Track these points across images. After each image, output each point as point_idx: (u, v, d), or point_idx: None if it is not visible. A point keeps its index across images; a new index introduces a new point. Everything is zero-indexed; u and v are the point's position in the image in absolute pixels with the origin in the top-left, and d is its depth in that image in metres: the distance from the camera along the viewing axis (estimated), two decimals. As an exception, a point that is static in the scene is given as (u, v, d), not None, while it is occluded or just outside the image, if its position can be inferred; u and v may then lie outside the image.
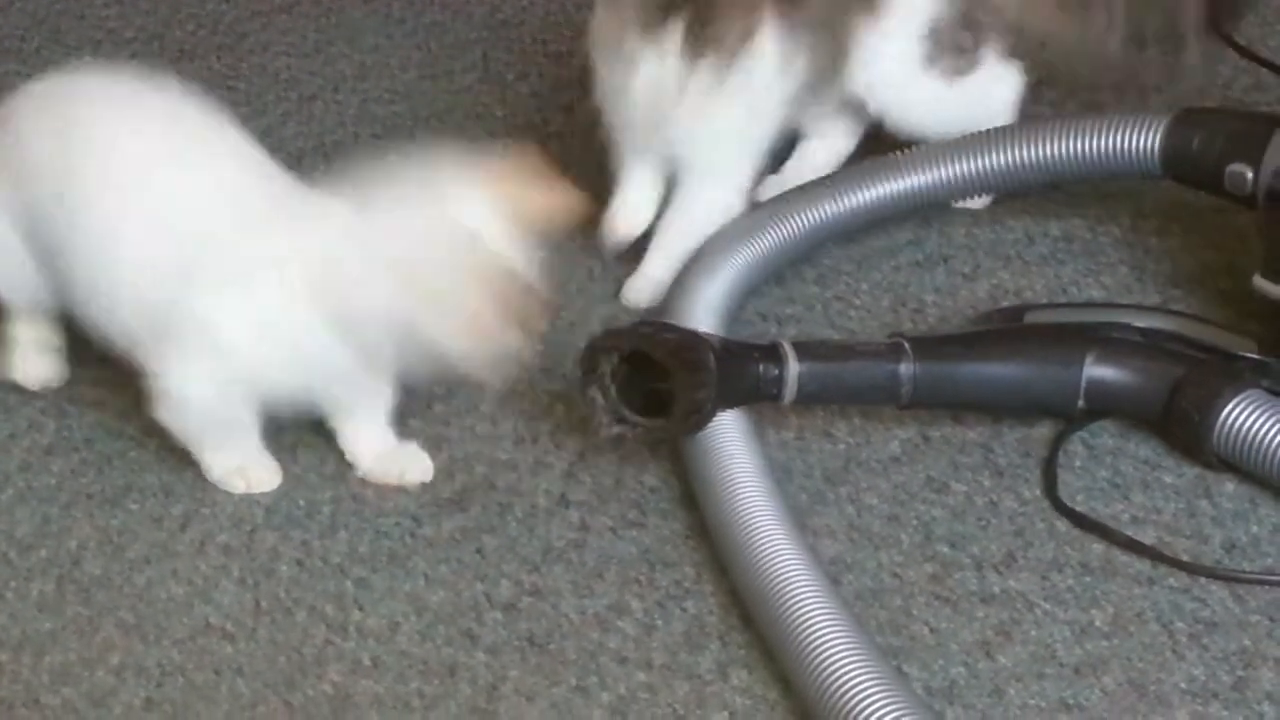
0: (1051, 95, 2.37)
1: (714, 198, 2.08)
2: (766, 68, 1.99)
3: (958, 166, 2.03)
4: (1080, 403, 1.81)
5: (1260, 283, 1.84)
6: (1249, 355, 1.80)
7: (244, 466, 1.86)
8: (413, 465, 1.87)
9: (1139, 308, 1.96)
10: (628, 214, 2.11)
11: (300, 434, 1.91)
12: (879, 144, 2.30)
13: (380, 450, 1.88)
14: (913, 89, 2.11)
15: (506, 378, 1.74)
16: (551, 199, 1.69)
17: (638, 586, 1.72)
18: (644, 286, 2.09)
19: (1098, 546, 1.72)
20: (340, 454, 1.89)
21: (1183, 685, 1.58)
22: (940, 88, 2.10)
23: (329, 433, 1.91)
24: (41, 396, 1.96)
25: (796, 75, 2.03)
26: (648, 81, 1.97)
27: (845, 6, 2.06)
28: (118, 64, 2.56)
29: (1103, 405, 1.82)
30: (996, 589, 1.69)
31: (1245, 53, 2.40)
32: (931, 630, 1.65)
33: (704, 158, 2.06)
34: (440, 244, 1.66)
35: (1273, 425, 1.71)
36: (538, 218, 1.69)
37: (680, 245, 2.07)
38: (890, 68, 2.10)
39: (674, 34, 1.94)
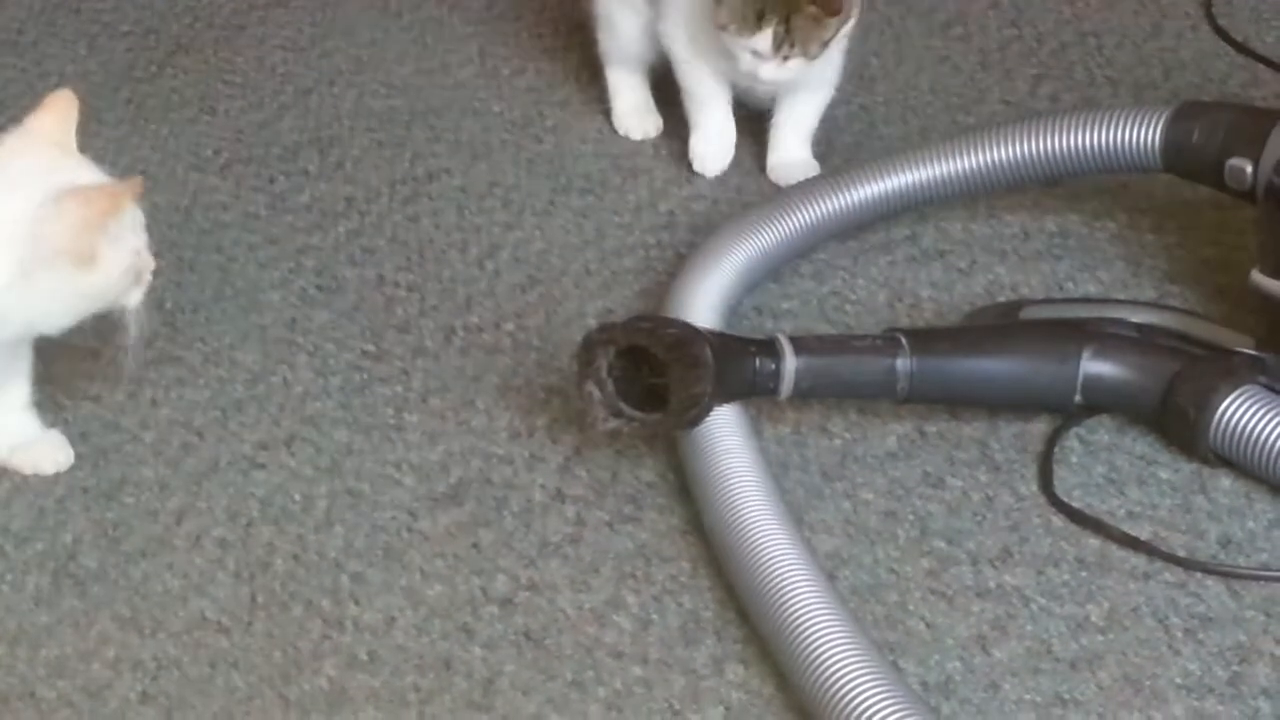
0: (1049, 90, 2.37)
1: (824, 93, 2.27)
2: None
3: (957, 163, 2.03)
4: (1077, 398, 1.81)
5: (1258, 278, 1.84)
6: (1246, 351, 1.80)
7: (24, 446, 1.88)
8: (48, 454, 1.89)
9: (1135, 303, 1.96)
10: (718, 149, 2.29)
11: (296, 427, 1.91)
12: (878, 142, 2.30)
13: (18, 441, 1.89)
14: None
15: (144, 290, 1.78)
16: (69, 117, 1.78)
17: (634, 581, 1.72)
18: (797, 166, 2.25)
19: (1093, 542, 1.72)
20: (336, 447, 1.89)
21: (1178, 680, 1.58)
22: None
23: (325, 426, 1.91)
24: (37, 390, 1.95)
25: None
26: (749, 66, 2.13)
27: None
28: (114, 57, 2.59)
29: (1099, 401, 1.82)
30: (992, 584, 1.69)
31: (1241, 48, 2.40)
32: (928, 625, 1.65)
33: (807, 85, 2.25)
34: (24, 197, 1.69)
35: (1269, 421, 1.71)
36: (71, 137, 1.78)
37: (809, 127, 2.28)
38: None
39: (765, 37, 2.09)
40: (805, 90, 2.24)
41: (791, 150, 2.27)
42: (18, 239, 1.68)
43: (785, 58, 2.11)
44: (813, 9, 2.07)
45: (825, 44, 2.12)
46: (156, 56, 2.61)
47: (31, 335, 1.80)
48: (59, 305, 1.74)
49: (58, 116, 1.78)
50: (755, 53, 2.11)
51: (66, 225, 1.68)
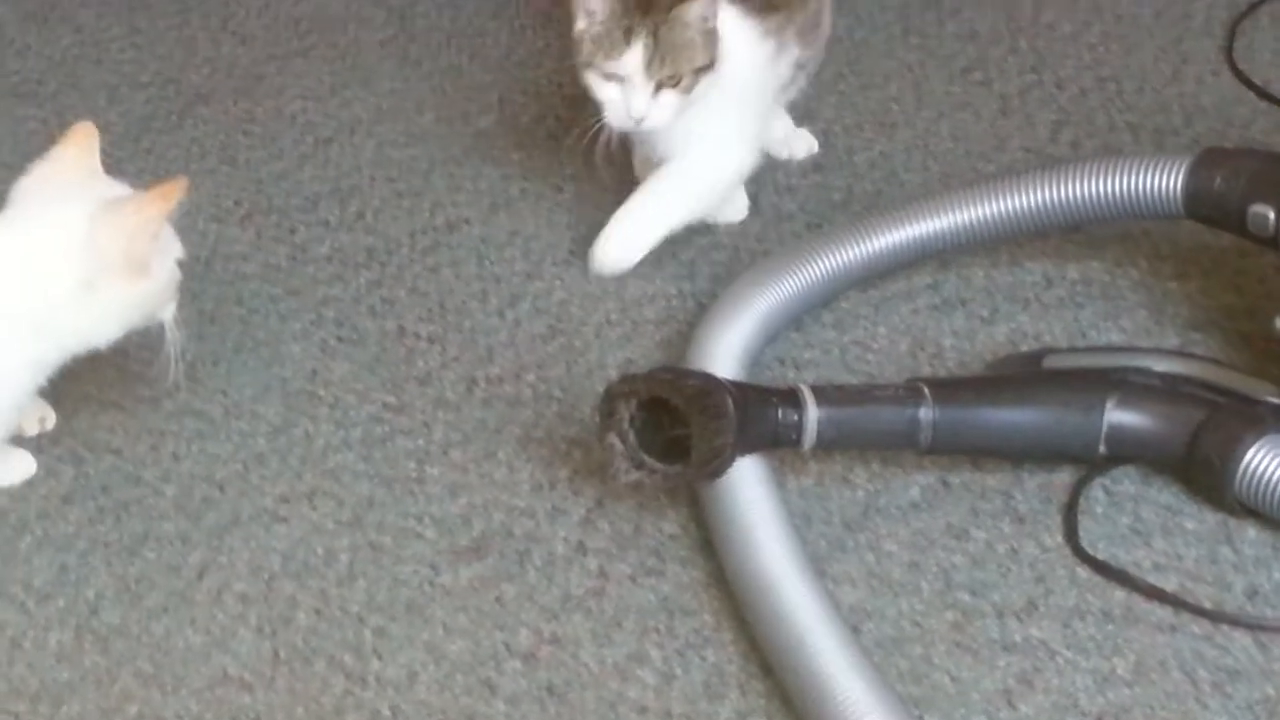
0: (1070, 136, 2.37)
1: (701, 170, 2.19)
2: (744, 68, 2.11)
3: (978, 210, 2.02)
4: (1101, 448, 1.80)
5: (1282, 326, 1.84)
6: (1270, 399, 1.79)
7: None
8: (10, 469, 1.93)
9: (1159, 351, 1.95)
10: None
11: (318, 481, 1.91)
12: (899, 189, 2.30)
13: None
14: None
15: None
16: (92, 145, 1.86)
17: (657, 635, 1.71)
18: (613, 246, 2.20)
19: (1119, 594, 1.71)
20: (357, 500, 1.89)
21: (1206, 734, 1.58)
22: None
23: (347, 479, 1.91)
24: (59, 444, 1.96)
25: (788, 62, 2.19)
26: (617, 110, 2.07)
27: None
28: (134, 108, 2.60)
29: (1124, 451, 1.81)
30: (1018, 637, 1.68)
31: (1263, 94, 2.40)
32: (953, 679, 1.64)
33: (688, 146, 2.16)
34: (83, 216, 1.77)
35: (1294, 470, 1.70)
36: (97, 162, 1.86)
37: (662, 208, 2.19)
38: None
39: (635, 52, 2.03)
40: (687, 156, 2.17)
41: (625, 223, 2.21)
42: (74, 253, 1.74)
43: (659, 85, 2.04)
44: (677, 11, 2.01)
45: (698, 72, 2.05)
46: (176, 107, 2.61)
47: (81, 350, 1.82)
48: (114, 315, 1.80)
49: (80, 145, 1.85)
50: (624, 82, 2.04)
51: (123, 233, 1.75)
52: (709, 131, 2.14)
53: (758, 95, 2.19)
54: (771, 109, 2.26)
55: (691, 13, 2.03)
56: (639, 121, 2.07)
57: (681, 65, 2.04)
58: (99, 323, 1.80)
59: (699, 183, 2.20)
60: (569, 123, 2.48)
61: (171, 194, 1.77)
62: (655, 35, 2.02)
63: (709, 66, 2.06)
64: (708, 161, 2.18)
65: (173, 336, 1.86)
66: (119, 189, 1.83)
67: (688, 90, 2.06)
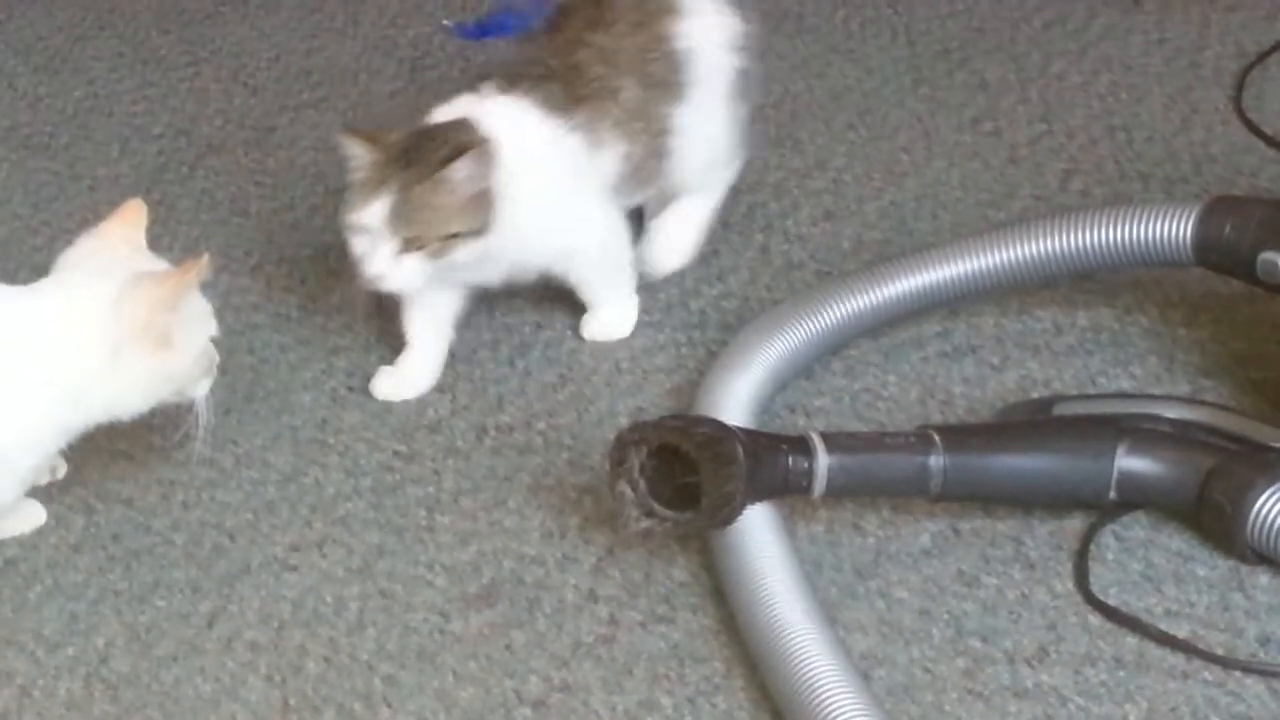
0: (1080, 185, 2.37)
1: (603, 249, 2.15)
2: (549, 166, 2.02)
3: (988, 258, 2.02)
4: (1112, 494, 1.80)
5: (1292, 372, 1.84)
6: (1281, 446, 1.79)
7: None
8: (21, 518, 1.95)
9: (1169, 398, 1.95)
10: (409, 376, 2.13)
11: (328, 529, 1.91)
12: (908, 238, 2.30)
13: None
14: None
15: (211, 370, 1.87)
16: (139, 221, 1.90)
17: (668, 682, 1.71)
18: (602, 334, 2.19)
19: (1131, 640, 1.71)
20: (367, 548, 1.88)
21: (1219, 781, 1.57)
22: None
23: (357, 527, 1.91)
24: (69, 493, 1.96)
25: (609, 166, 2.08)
26: (360, 255, 1.97)
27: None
28: (145, 160, 2.61)
29: (1134, 497, 1.81)
30: (1029, 684, 1.67)
31: (1272, 142, 2.40)
32: (964, 726, 1.64)
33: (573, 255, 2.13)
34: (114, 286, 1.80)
35: (1306, 517, 1.70)
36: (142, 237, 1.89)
37: (618, 287, 2.18)
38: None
39: (377, 207, 1.93)
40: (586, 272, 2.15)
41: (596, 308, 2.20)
42: (104, 323, 1.77)
43: (405, 245, 1.92)
44: (438, 173, 1.90)
45: (452, 239, 1.93)
46: (188, 158, 2.62)
47: (106, 420, 1.84)
48: (141, 388, 1.82)
49: (129, 221, 1.89)
50: (367, 234, 1.93)
51: (143, 305, 1.77)
52: (574, 229, 2.09)
53: (581, 184, 2.07)
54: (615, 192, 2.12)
55: (457, 173, 1.91)
56: (377, 281, 1.95)
57: (427, 229, 1.93)
58: (125, 393, 1.82)
59: (610, 257, 2.16)
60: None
61: (191, 270, 1.79)
62: (406, 191, 1.91)
63: (475, 233, 1.94)
64: (600, 244, 2.13)
65: (202, 413, 1.87)
66: (158, 265, 1.86)
67: (436, 256, 1.94)
